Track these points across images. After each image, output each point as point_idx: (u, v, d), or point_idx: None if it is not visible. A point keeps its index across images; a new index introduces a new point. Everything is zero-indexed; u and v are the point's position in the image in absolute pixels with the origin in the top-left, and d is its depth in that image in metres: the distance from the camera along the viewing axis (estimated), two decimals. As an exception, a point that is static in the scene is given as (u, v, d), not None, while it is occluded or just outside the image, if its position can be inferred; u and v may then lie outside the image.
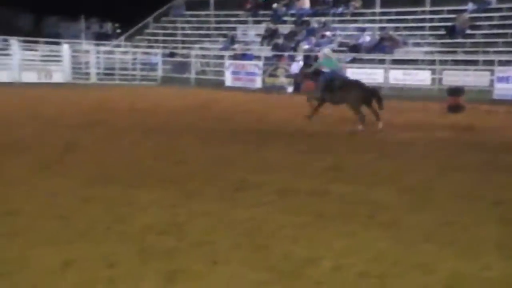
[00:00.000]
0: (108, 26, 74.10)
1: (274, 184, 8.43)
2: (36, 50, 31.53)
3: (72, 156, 10.41)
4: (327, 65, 15.58)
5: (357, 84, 15.05)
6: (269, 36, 32.85)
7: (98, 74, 30.64)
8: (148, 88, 27.51)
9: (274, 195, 7.83)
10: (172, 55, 32.41)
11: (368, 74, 25.98)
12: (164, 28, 36.77)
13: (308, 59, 25.39)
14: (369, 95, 14.65)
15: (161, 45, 33.93)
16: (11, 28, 54.64)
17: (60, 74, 29.34)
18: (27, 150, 10.76)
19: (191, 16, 36.97)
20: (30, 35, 33.82)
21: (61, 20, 72.09)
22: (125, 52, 33.10)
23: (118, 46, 35.23)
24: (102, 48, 34.03)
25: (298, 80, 19.06)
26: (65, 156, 10.36)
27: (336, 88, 14.76)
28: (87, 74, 30.44)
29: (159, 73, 31.17)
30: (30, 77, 28.13)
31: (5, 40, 29.84)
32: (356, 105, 14.49)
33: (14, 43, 29.08)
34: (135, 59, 32.28)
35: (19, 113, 16.28)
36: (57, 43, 33.00)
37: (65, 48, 30.37)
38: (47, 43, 33.46)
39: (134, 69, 31.65)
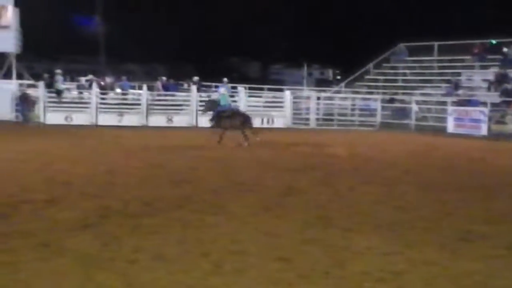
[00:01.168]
0: (329, 73, 75.96)
1: (503, 236, 7.80)
2: (260, 97, 33.09)
3: (291, 198, 10.61)
4: (222, 101, 20.97)
5: (241, 114, 20.59)
6: (498, 81, 31.15)
7: (317, 119, 31.24)
8: (366, 133, 27.44)
9: (503, 248, 7.21)
10: (391, 101, 32.09)
11: None
12: (384, 74, 36.64)
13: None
14: (247, 121, 19.86)
15: (381, 91, 33.81)
16: (241, 76, 58.40)
17: (281, 119, 30.41)
18: (249, 191, 11.18)
19: (413, 61, 36.41)
20: (257, 82, 35.63)
21: (285, 67, 75.61)
22: (344, 98, 33.48)
23: (338, 92, 35.77)
24: (323, 94, 34.77)
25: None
26: (284, 198, 10.59)
27: (226, 117, 19.73)
28: (307, 119, 31.17)
29: (378, 118, 30.98)
30: (254, 122, 29.54)
31: (234, 88, 31.75)
32: (242, 128, 19.40)
33: (241, 90, 30.81)
34: (354, 104, 32.47)
35: (242, 156, 17.05)
36: (280, 90, 34.35)
37: (287, 95, 31.47)
38: (270, 89, 35.01)
39: (352, 115, 31.83)
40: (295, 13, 59.74)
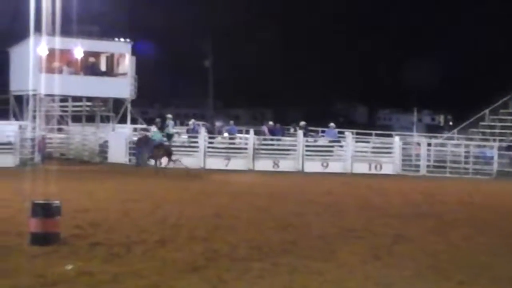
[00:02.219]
0: (441, 118, 74.16)
1: None
2: (368, 142, 32.62)
3: (401, 247, 10.28)
4: (154, 136, 26.73)
5: (163, 145, 26.10)
6: None
7: (428, 166, 30.34)
8: (481, 182, 26.30)
9: None
10: (510, 148, 30.65)
11: None
12: (501, 120, 35.13)
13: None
14: (168, 151, 25.64)
15: (498, 138, 32.40)
16: (348, 120, 58.08)
17: (390, 165, 29.72)
18: (358, 238, 10.94)
19: (535, 107, 34.73)
20: (365, 127, 35.12)
21: (393, 112, 74.70)
22: (457, 145, 32.36)
23: (450, 138, 34.64)
24: (434, 141, 33.79)
25: None
26: (394, 246, 10.27)
27: (155, 147, 25.71)
28: (417, 166, 30.32)
29: (495, 167, 29.64)
30: (361, 168, 29.11)
31: (341, 133, 31.53)
32: (162, 157, 25.45)
33: (349, 135, 30.51)
34: (468, 152, 31.24)
35: (351, 202, 16.77)
36: (389, 135, 33.73)
37: (396, 140, 30.82)
38: (378, 135, 34.46)
39: (466, 163, 30.61)
40: (404, 55, 59.12)
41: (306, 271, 8.18)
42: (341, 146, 30.32)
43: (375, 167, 29.25)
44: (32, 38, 28.12)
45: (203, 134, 29.08)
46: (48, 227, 9.63)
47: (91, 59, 31.20)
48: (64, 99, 31.98)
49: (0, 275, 7.69)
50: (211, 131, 30.23)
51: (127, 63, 31.09)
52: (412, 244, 10.54)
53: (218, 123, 32.54)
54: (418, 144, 31.82)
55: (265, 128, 31.91)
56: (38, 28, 27.52)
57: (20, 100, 30.75)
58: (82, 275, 7.76)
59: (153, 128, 28.54)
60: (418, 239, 11.09)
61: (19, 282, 7.44)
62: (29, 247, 9.34)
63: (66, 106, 32.92)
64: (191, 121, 32.28)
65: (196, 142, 29.25)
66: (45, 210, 9.66)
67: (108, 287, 7.24)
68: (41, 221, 9.59)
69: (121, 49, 31.30)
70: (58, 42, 27.66)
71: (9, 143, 27.05)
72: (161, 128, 29.32)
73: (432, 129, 58.50)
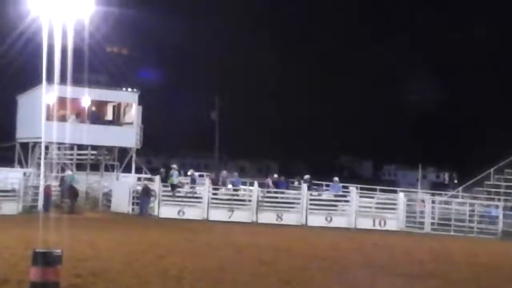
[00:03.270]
0: (446, 176, 73.94)
1: None
2: (372, 197, 32.41)
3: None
4: (69, 180, 28.38)
5: (73, 188, 28.01)
6: None
7: (432, 224, 30.09)
8: (486, 241, 26.00)
9: None
10: (514, 208, 30.37)
11: None
12: (507, 180, 34.97)
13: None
14: (74, 195, 27.87)
15: (503, 197, 32.17)
16: (353, 175, 57.98)
17: (394, 222, 29.49)
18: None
19: (538, 167, 34.57)
20: (369, 182, 34.96)
21: (398, 168, 74.71)
22: (462, 203, 32.13)
23: (455, 196, 34.44)
24: (438, 198, 33.58)
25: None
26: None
27: (65, 190, 28.17)
28: (421, 223, 30.10)
29: (500, 226, 29.36)
30: (365, 223, 28.86)
31: (345, 187, 31.38)
32: (72, 197, 27.83)
33: (353, 190, 30.36)
34: (472, 210, 30.99)
35: (355, 258, 16.51)
36: (393, 191, 33.53)
37: (400, 197, 30.67)
38: (383, 190, 34.28)
39: (471, 221, 30.33)
40: (411, 112, 59.52)
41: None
42: (346, 201, 30.13)
43: (379, 223, 29.00)
44: (43, 86, 28.26)
45: (207, 185, 28.96)
46: (48, 276, 9.46)
47: (98, 108, 31.39)
48: (69, 147, 32.03)
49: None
50: (215, 182, 30.12)
51: (133, 113, 31.21)
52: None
53: (223, 174, 32.34)
54: (423, 201, 31.67)
55: (269, 181, 31.83)
56: (48, 77, 27.77)
57: (26, 147, 30.85)
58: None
59: (68, 172, 30.61)
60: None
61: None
62: (28, 296, 9.18)
63: (71, 154, 32.95)
64: (190, 172, 32.20)
65: (197, 192, 29.22)
66: (45, 259, 9.50)
67: None
68: (41, 269, 9.42)
69: (128, 99, 31.47)
70: (67, 91, 27.87)
71: (13, 190, 27.02)
72: (165, 178, 29.24)
73: (437, 186, 58.27)
